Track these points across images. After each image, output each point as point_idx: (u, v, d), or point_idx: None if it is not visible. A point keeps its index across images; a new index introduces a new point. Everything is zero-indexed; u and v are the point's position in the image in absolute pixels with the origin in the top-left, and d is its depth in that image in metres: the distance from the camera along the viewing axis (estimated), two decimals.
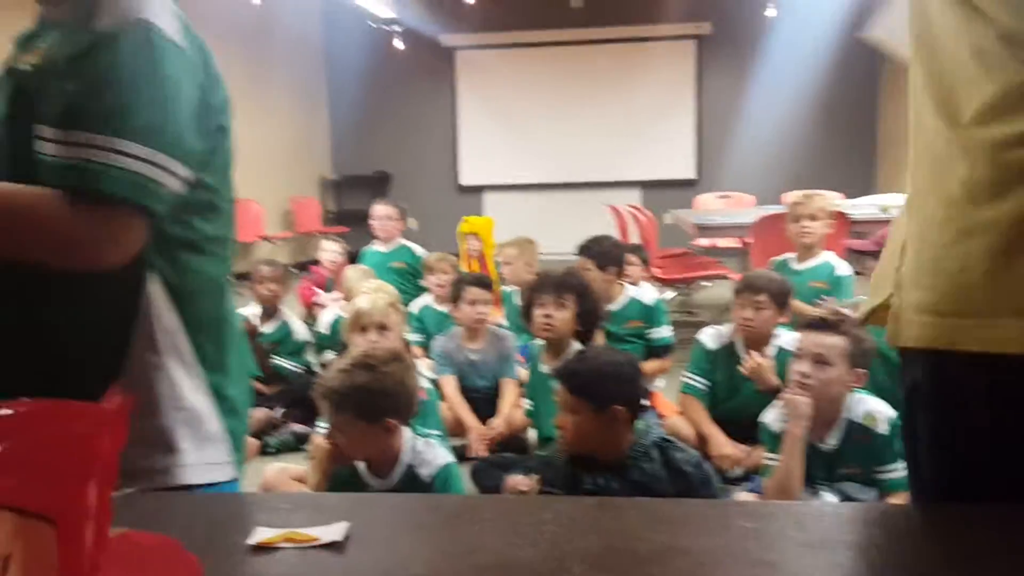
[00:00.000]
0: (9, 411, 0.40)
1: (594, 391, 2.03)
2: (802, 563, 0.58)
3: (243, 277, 8.77)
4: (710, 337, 3.05)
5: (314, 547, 0.62)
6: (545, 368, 2.91)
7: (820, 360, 2.25)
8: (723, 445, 2.85)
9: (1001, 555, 0.60)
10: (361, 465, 2.18)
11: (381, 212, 4.95)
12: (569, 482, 2.07)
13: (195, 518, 0.71)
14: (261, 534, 0.65)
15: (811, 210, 3.67)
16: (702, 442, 2.94)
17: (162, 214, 0.98)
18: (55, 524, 0.39)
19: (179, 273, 1.04)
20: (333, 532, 0.64)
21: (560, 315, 2.86)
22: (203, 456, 1.04)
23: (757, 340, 2.96)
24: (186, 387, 1.04)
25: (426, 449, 2.17)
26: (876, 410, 2.30)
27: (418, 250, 4.93)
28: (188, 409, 1.04)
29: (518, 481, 2.32)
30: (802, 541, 0.61)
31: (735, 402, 2.97)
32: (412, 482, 2.11)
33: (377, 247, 4.96)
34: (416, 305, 4.32)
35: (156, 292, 1.02)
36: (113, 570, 0.42)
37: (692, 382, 3.04)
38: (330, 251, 5.00)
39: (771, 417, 2.38)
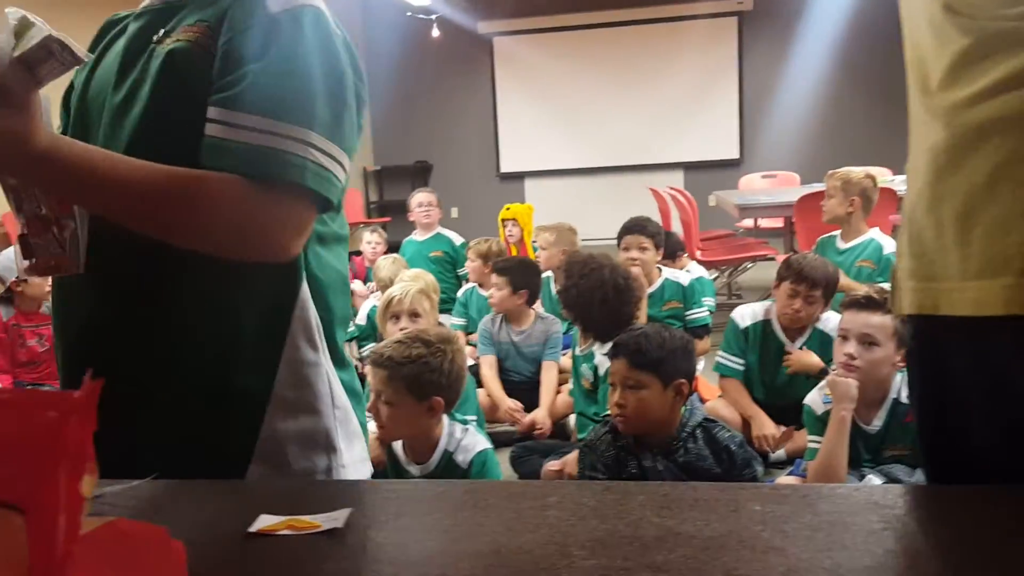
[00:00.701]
0: None
1: (660, 365, 2.00)
2: (812, 548, 0.56)
3: None
4: (743, 316, 2.99)
5: (315, 533, 0.62)
6: (578, 352, 2.91)
7: (867, 340, 2.19)
8: (765, 425, 2.81)
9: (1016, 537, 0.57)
10: (399, 451, 2.19)
11: (420, 200, 4.99)
12: (613, 465, 2.05)
13: (199, 505, 0.71)
14: (263, 521, 0.64)
15: (828, 187, 3.59)
16: (745, 425, 2.90)
17: (337, 207, 0.98)
18: (23, 513, 0.39)
19: (320, 267, 1.01)
20: (335, 519, 0.63)
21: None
22: (353, 455, 1.02)
23: (799, 326, 2.90)
24: (336, 383, 1.01)
25: (464, 435, 2.17)
26: None
27: (456, 239, 4.94)
28: (342, 407, 1.01)
29: (553, 465, 2.31)
30: (813, 525, 0.59)
31: (774, 383, 2.92)
32: (450, 468, 2.11)
33: (415, 236, 5.00)
34: (462, 290, 4.37)
35: (305, 287, 0.99)
36: (90, 559, 0.42)
37: (727, 362, 2.99)
38: (371, 242, 5.04)
39: (814, 399, 2.33)
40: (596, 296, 2.73)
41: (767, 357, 2.94)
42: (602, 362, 2.73)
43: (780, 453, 2.84)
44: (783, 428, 2.84)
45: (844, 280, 3.33)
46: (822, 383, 2.35)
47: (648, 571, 0.54)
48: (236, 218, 0.87)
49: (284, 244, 0.90)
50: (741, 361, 2.96)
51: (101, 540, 0.45)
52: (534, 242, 4.58)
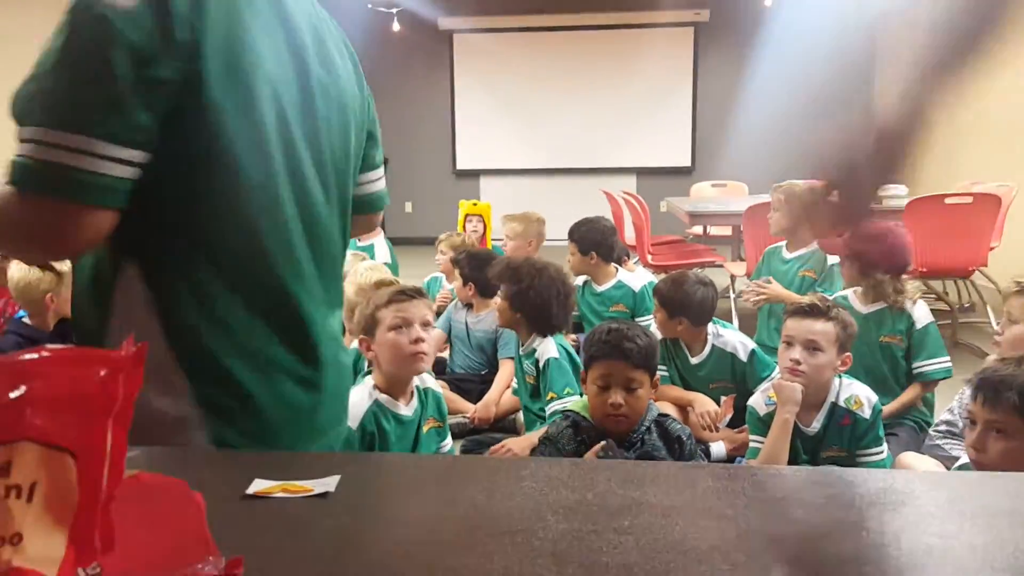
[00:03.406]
0: (35, 355, 0.44)
1: (650, 361, 2.07)
2: (758, 517, 0.63)
3: None
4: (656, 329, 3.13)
5: (306, 497, 0.67)
6: (521, 351, 3.00)
7: (811, 346, 2.29)
8: (706, 403, 2.93)
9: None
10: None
11: None
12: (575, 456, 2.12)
13: (195, 470, 0.75)
14: (258, 485, 0.69)
15: (772, 200, 3.74)
16: (683, 419, 3.00)
17: (109, 202, 0.88)
18: (76, 457, 0.44)
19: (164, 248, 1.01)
20: (326, 483, 0.68)
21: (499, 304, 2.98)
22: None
23: (690, 342, 3.05)
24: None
25: None
26: (860, 394, 2.36)
27: (383, 254, 4.85)
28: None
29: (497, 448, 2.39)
30: (760, 499, 0.66)
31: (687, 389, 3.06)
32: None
33: (354, 238, 4.95)
34: (425, 278, 4.41)
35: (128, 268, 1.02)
36: (125, 503, 0.47)
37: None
38: None
39: (757, 400, 2.43)
40: (551, 293, 2.81)
41: (676, 367, 3.08)
42: (544, 353, 2.81)
43: (721, 451, 2.94)
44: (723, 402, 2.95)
45: (781, 291, 3.47)
46: (764, 385, 2.46)
47: (614, 533, 0.60)
48: (7, 230, 0.91)
49: (53, 247, 0.93)
50: (665, 367, 3.07)
51: (131, 488, 0.50)
52: (501, 232, 4.61)
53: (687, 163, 10.39)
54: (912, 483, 0.73)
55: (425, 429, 2.15)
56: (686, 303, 2.95)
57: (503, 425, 3.30)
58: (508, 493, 0.67)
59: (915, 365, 2.85)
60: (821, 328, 2.31)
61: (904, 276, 2.93)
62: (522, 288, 2.93)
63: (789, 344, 2.33)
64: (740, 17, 10.00)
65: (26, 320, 2.96)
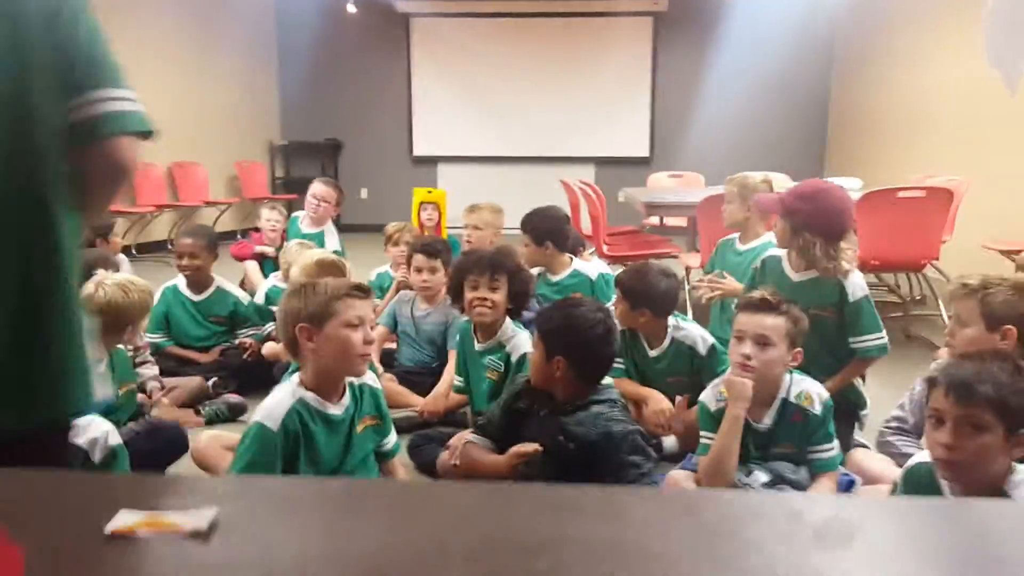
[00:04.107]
0: None
1: None
2: (693, 553, 0.55)
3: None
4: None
5: (178, 535, 0.57)
6: (479, 347, 2.88)
7: (762, 341, 2.24)
8: (661, 401, 2.87)
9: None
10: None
11: (316, 192, 4.79)
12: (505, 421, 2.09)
13: (61, 497, 0.66)
14: (123, 517, 0.59)
15: (726, 193, 3.69)
16: (637, 414, 2.95)
17: None
18: None
19: None
20: (198, 519, 0.59)
21: (494, 296, 2.82)
22: None
23: (650, 334, 2.99)
24: None
25: None
26: (811, 390, 2.31)
27: (332, 243, 4.74)
28: None
29: (447, 458, 2.30)
30: (694, 531, 0.58)
31: (645, 383, 3.00)
32: None
33: (303, 224, 4.82)
34: (375, 272, 4.30)
35: None
36: None
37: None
38: (270, 219, 4.88)
39: (708, 396, 2.38)
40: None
41: (637, 361, 3.02)
42: (519, 346, 2.75)
43: (672, 445, 2.89)
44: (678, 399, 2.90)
45: (736, 285, 3.42)
46: (716, 381, 2.41)
47: None
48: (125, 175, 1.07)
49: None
50: (622, 361, 3.01)
51: None
52: (462, 221, 4.49)
53: (645, 153, 10.37)
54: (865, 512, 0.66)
55: (359, 429, 2.03)
56: (650, 294, 2.89)
57: (454, 419, 3.22)
58: (409, 529, 0.59)
59: (850, 341, 2.68)
60: (772, 323, 2.25)
61: (840, 244, 2.70)
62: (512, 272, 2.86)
63: (740, 339, 2.27)
64: (699, 7, 9.98)
65: None
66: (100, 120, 1.05)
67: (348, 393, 2.03)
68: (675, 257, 5.13)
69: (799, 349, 2.30)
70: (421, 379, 3.37)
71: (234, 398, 3.36)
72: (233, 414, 3.31)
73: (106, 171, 1.09)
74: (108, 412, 2.55)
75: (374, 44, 10.36)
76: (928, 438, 1.67)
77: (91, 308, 2.55)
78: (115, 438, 1.84)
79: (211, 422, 3.25)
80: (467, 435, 2.53)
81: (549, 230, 3.76)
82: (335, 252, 4.66)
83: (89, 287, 2.59)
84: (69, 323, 1.09)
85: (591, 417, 2.03)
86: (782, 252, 2.87)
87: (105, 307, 2.53)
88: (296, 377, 1.99)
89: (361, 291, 1.99)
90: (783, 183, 6.83)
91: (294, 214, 4.91)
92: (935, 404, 1.60)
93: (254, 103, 10.07)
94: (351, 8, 9.75)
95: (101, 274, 2.69)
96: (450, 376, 3.27)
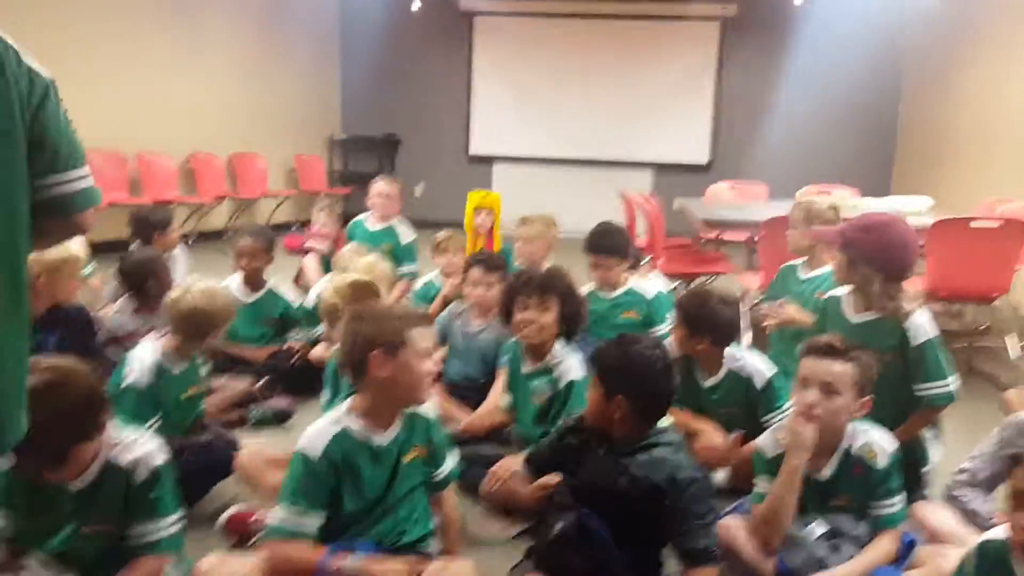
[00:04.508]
0: None
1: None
2: None
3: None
4: (669, 349, 2.99)
5: None
6: (526, 370, 2.82)
7: (828, 389, 2.12)
8: (714, 436, 2.78)
9: None
10: None
11: (380, 189, 4.80)
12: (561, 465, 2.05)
13: None
14: None
15: (790, 218, 3.54)
16: (688, 447, 2.86)
17: None
18: None
19: None
20: None
21: (543, 319, 2.75)
22: None
23: (706, 363, 2.89)
24: None
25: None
26: (876, 442, 2.19)
27: (405, 236, 4.76)
28: None
29: (488, 485, 2.25)
30: None
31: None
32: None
33: (368, 223, 4.83)
34: (421, 282, 4.28)
35: None
36: None
37: None
38: (317, 221, 4.96)
39: (766, 441, 2.27)
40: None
41: (686, 390, 2.93)
42: (567, 372, 2.69)
43: (723, 480, 2.80)
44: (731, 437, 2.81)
45: (797, 312, 3.30)
46: (775, 425, 2.30)
47: None
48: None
49: None
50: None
51: None
52: (516, 232, 4.42)
53: (705, 160, 10.19)
54: None
55: (407, 459, 1.97)
56: (712, 323, 2.80)
57: (497, 437, 3.16)
58: None
59: (914, 388, 2.51)
60: (839, 370, 2.14)
61: (902, 282, 2.54)
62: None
63: (804, 385, 2.16)
64: (769, 14, 9.78)
65: None
66: (75, 197, 1.24)
67: (399, 421, 1.97)
68: (728, 273, 5.01)
69: (867, 398, 2.18)
70: (467, 395, 3.32)
71: (281, 403, 3.37)
72: (279, 419, 3.31)
73: (71, 234, 1.32)
74: (172, 412, 2.58)
75: (436, 41, 10.36)
76: (1010, 519, 1.55)
77: (176, 313, 2.57)
78: (161, 457, 1.81)
79: (258, 426, 3.26)
80: (513, 465, 2.48)
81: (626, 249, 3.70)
82: (409, 244, 4.67)
83: (175, 292, 2.64)
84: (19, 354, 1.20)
85: (655, 461, 1.95)
86: (843, 291, 2.74)
87: (190, 313, 2.56)
88: (346, 404, 1.95)
89: (428, 319, 1.99)
90: (849, 198, 6.63)
91: (356, 218, 4.92)
92: (1018, 485, 1.48)
93: (316, 97, 10.17)
94: (415, 5, 9.78)
95: (188, 280, 2.73)
96: (496, 395, 3.22)
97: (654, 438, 2.00)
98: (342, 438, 1.89)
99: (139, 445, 1.80)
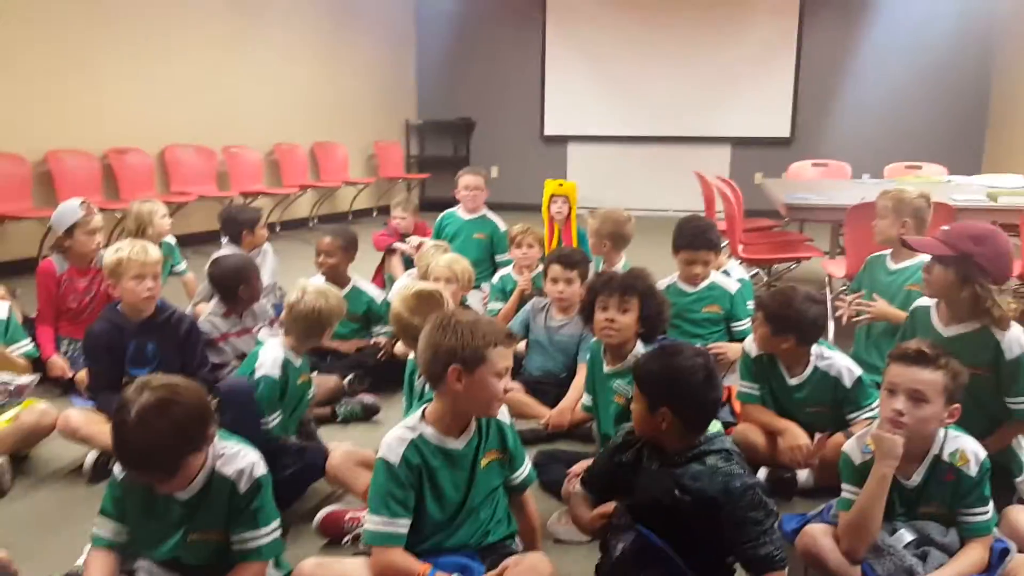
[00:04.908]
0: None
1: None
2: None
3: (329, 220, 8.91)
4: (751, 345, 2.94)
5: None
6: (607, 370, 2.84)
7: (916, 397, 2.09)
8: (798, 436, 2.75)
9: None
10: None
11: (467, 183, 4.93)
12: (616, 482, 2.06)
13: None
14: None
15: (878, 207, 3.44)
16: (772, 447, 2.84)
17: None
18: None
19: None
20: None
21: (623, 319, 2.76)
22: None
23: (790, 361, 2.84)
24: None
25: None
26: (967, 449, 2.15)
27: (500, 225, 4.89)
28: None
29: (570, 488, 2.28)
30: None
31: (783, 414, 2.88)
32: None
33: (460, 213, 4.96)
34: (498, 276, 4.34)
35: None
36: None
37: (746, 389, 2.93)
38: (396, 217, 5.10)
39: (853, 447, 2.24)
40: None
41: (772, 386, 2.90)
42: None
43: (808, 480, 2.78)
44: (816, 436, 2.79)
45: (887, 310, 3.23)
46: (862, 431, 2.28)
47: None
48: None
49: None
50: (757, 386, 2.91)
51: None
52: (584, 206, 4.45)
53: (786, 134, 9.94)
54: None
55: (484, 464, 2.01)
56: (798, 322, 2.76)
57: (579, 433, 3.21)
58: None
59: (1007, 401, 2.50)
60: (928, 377, 2.09)
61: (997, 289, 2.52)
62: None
63: (892, 392, 2.12)
64: None
65: (120, 308, 3.01)
66: None
67: (473, 426, 2.02)
68: (812, 258, 4.90)
69: (957, 405, 2.14)
70: (548, 388, 3.37)
71: (368, 398, 3.48)
72: (367, 414, 3.42)
73: None
74: (295, 405, 2.74)
75: (510, 22, 10.35)
76: None
77: (296, 314, 2.73)
78: (261, 469, 1.91)
79: (346, 421, 3.38)
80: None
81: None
82: (504, 231, 4.75)
83: (292, 295, 2.79)
84: None
85: (708, 471, 1.95)
86: (931, 302, 2.68)
87: (308, 313, 2.74)
88: (421, 410, 2.01)
89: (510, 339, 1.98)
90: (938, 174, 6.39)
91: (446, 212, 5.04)
92: None
93: (392, 82, 10.30)
94: None
95: (301, 282, 2.89)
96: (577, 391, 3.26)
97: (705, 446, 1.99)
98: (419, 444, 1.95)
99: (242, 456, 1.90)
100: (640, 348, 2.83)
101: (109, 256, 3.01)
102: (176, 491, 1.85)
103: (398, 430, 1.98)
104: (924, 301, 2.74)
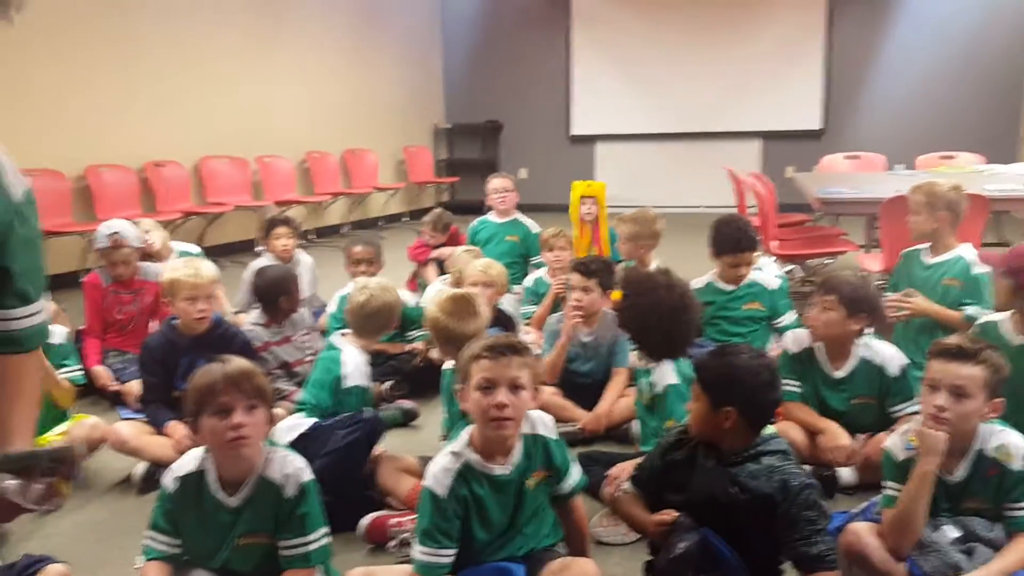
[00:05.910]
0: None
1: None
2: None
3: (361, 226, 8.98)
4: (792, 341, 2.94)
5: None
6: (640, 366, 2.85)
7: (958, 392, 2.08)
8: (839, 436, 2.75)
9: None
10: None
11: (496, 186, 5.01)
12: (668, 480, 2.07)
13: None
14: None
15: (911, 202, 3.42)
16: (812, 445, 2.84)
17: None
18: None
19: None
20: None
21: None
22: None
23: (833, 345, 2.83)
24: None
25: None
26: (1011, 443, 2.13)
27: (532, 227, 4.94)
28: None
29: (610, 491, 2.29)
30: None
31: (825, 412, 2.87)
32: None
33: (492, 218, 5.03)
34: (531, 278, 4.36)
35: None
36: None
37: (787, 387, 2.92)
38: (430, 236, 5.16)
39: (895, 444, 2.24)
40: (651, 318, 2.67)
41: (813, 382, 2.89)
42: (660, 380, 2.68)
43: (850, 478, 2.77)
44: (859, 437, 2.78)
45: (927, 305, 3.21)
46: (904, 428, 2.27)
47: None
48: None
49: None
50: (798, 383, 2.90)
51: None
52: (615, 205, 4.44)
53: (818, 126, 9.85)
54: None
55: (531, 485, 2.00)
56: (874, 302, 2.81)
57: (616, 435, 3.22)
58: None
59: None
60: (969, 372, 2.08)
61: None
62: (623, 305, 2.81)
63: (933, 388, 2.12)
64: None
65: (175, 323, 3.08)
66: (28, 334, 1.31)
67: (520, 448, 2.00)
68: (845, 252, 4.85)
69: (999, 399, 2.12)
70: (585, 392, 3.38)
71: (407, 404, 3.52)
72: (407, 419, 3.47)
73: (31, 379, 1.37)
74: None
75: (534, 24, 10.37)
76: None
77: (368, 312, 2.80)
78: (307, 474, 1.95)
79: (387, 427, 3.43)
80: (629, 469, 2.51)
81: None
82: (537, 233, 4.77)
83: (358, 296, 2.84)
84: None
85: (765, 470, 1.96)
86: (998, 316, 2.71)
87: (381, 308, 2.83)
88: (465, 435, 2.01)
89: (499, 350, 1.91)
90: (973, 163, 6.29)
91: (478, 219, 5.09)
92: None
93: (420, 87, 10.36)
94: None
95: (362, 281, 2.97)
96: (612, 394, 3.28)
97: (762, 446, 2.00)
98: (465, 473, 1.94)
99: (288, 462, 1.94)
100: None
101: (165, 275, 3.08)
102: (227, 495, 1.90)
103: (444, 458, 1.96)
104: (992, 316, 2.79)
